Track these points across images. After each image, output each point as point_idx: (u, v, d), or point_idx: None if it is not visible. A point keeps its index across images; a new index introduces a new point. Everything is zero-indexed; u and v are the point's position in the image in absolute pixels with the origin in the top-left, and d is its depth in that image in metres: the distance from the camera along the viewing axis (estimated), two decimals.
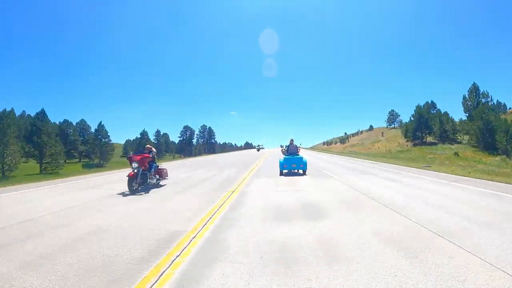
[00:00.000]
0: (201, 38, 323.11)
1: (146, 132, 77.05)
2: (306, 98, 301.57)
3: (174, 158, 64.53)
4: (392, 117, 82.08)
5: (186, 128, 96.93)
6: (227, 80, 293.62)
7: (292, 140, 13.84)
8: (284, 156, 13.29)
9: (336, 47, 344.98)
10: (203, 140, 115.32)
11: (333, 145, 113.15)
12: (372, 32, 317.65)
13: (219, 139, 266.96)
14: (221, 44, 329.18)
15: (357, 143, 72.11)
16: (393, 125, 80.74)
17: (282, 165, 12.32)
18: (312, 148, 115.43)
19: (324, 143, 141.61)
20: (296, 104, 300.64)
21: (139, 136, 76.02)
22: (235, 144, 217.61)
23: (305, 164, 12.36)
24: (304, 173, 12.13)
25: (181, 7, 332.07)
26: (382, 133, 68.09)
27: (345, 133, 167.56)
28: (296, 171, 12.51)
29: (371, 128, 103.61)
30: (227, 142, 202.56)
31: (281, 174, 12.07)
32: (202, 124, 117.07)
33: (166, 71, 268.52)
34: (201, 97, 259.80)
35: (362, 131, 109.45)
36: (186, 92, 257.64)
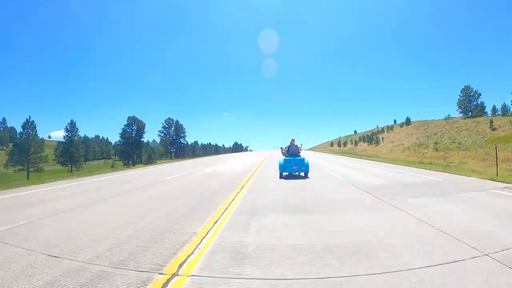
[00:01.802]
0: (195, 38, 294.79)
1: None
2: (301, 99, 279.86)
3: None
4: (468, 99, 49.64)
5: (132, 120, 62.82)
6: (222, 81, 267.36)
7: (293, 140, 12.81)
8: (284, 157, 12.21)
9: (333, 46, 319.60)
10: (169, 139, 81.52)
11: (350, 145, 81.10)
12: (371, 32, 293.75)
13: (209, 139, 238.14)
14: (216, 43, 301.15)
15: (419, 143, 39.96)
16: (468, 113, 48.77)
17: (282, 167, 11.63)
18: (321, 150, 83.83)
19: (332, 144, 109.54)
20: (291, 105, 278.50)
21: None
22: (223, 145, 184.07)
23: (306, 166, 11.47)
24: (306, 176, 11.24)
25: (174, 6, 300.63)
26: (493, 122, 35.91)
27: (355, 131, 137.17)
28: (297, 173, 11.68)
29: (408, 121, 71.78)
30: (212, 143, 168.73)
31: (281, 177, 11.28)
32: (167, 117, 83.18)
33: (159, 71, 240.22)
34: (195, 97, 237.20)
35: (392, 126, 77.47)
36: (179, 91, 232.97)
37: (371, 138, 65.02)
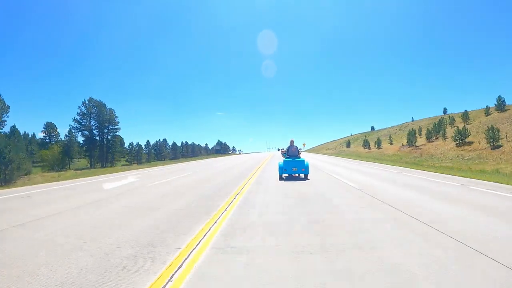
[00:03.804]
0: (191, 38, 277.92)
1: None
2: (299, 99, 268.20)
3: None
4: None
5: None
6: (217, 80, 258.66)
7: (292, 142, 12.33)
8: (284, 159, 11.98)
9: (332, 46, 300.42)
10: (73, 134, 47.89)
11: (390, 145, 49.26)
12: (369, 33, 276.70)
13: (201, 139, 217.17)
14: (211, 42, 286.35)
15: None
16: None
17: (281, 169, 11.52)
18: (336, 153, 51.84)
19: (348, 143, 77.74)
20: (288, 105, 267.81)
21: None
22: (206, 144, 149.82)
23: (306, 167, 11.44)
24: (306, 177, 11.41)
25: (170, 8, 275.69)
26: None
27: (372, 128, 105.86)
28: (296, 175, 11.82)
29: (501, 105, 40.45)
30: (189, 142, 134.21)
31: (281, 178, 11.44)
32: (88, 97, 49.22)
33: (154, 71, 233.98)
34: (189, 95, 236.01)
35: (464, 113, 45.81)
36: (173, 91, 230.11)
37: (462, 133, 33.05)
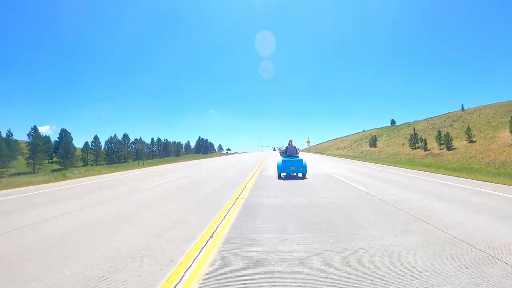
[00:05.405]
0: (188, 36, 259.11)
1: None
2: (296, 98, 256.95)
3: None
4: None
5: None
6: (212, 78, 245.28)
7: (290, 142, 12.37)
8: (283, 158, 11.99)
9: (329, 46, 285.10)
10: None
11: (504, 149, 27.82)
12: (367, 36, 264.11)
13: (191, 137, 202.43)
14: (207, 40, 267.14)
15: None
16: None
17: (280, 168, 11.43)
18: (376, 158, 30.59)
19: (374, 140, 56.04)
20: (283, 104, 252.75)
21: None
22: (187, 142, 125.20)
23: (304, 167, 11.27)
24: (303, 177, 11.28)
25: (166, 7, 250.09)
26: None
27: (392, 121, 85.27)
28: (295, 174, 11.69)
29: None
30: (161, 139, 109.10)
31: (279, 177, 11.35)
32: None
33: (148, 69, 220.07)
34: (182, 93, 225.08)
35: None
36: (166, 89, 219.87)
37: None
